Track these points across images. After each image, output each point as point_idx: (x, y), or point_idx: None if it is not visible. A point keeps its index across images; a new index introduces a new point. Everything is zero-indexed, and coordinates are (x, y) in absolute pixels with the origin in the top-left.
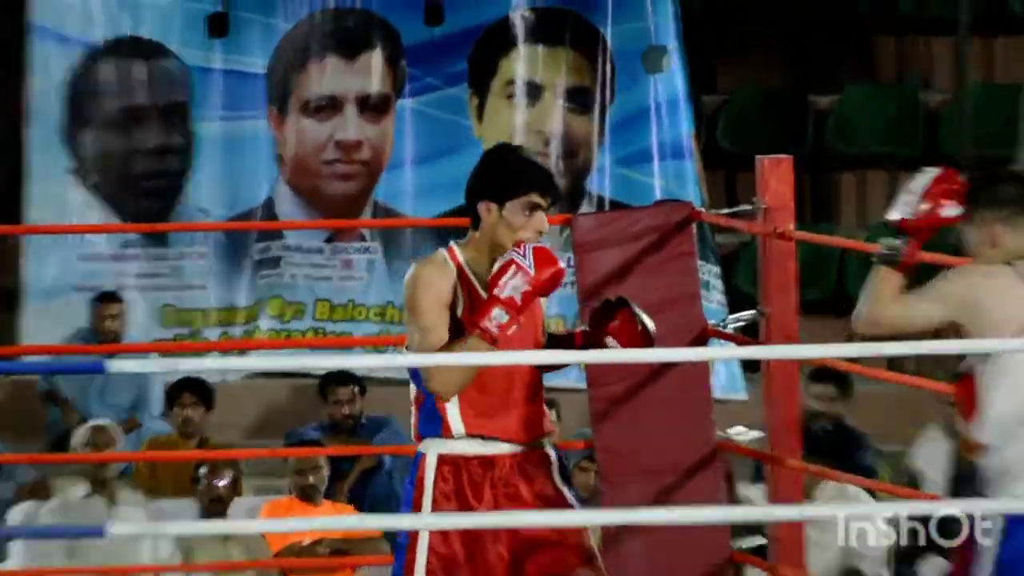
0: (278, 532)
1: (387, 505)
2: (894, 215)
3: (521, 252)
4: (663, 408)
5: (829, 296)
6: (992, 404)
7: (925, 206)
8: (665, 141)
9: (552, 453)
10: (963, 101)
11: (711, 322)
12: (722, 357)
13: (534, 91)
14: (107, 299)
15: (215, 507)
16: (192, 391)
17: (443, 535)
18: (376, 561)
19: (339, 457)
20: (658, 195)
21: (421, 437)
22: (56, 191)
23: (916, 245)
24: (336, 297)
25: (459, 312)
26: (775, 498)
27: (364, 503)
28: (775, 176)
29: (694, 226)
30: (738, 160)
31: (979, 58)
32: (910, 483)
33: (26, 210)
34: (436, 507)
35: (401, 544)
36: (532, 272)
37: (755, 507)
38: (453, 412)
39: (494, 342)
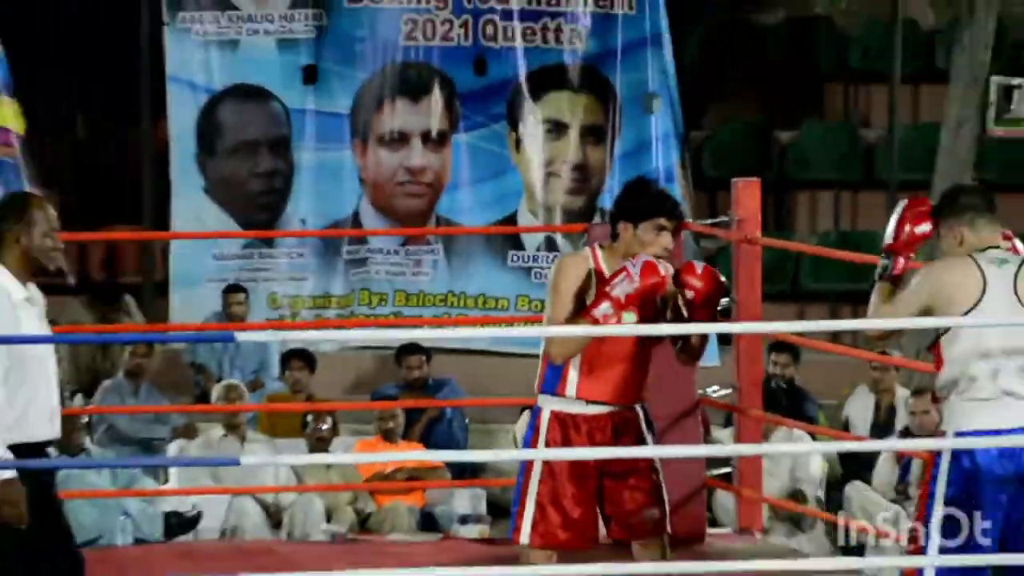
0: (367, 463)
1: (448, 444)
2: (884, 241)
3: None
4: (658, 371)
5: (787, 288)
6: (945, 365)
7: (903, 230)
8: (659, 168)
9: (639, 410)
10: (894, 137)
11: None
12: (702, 331)
13: (559, 128)
14: (234, 290)
15: (319, 445)
16: (300, 358)
17: (550, 473)
18: (440, 485)
19: (412, 408)
20: None
21: (542, 391)
22: (194, 205)
23: (902, 261)
24: (410, 288)
25: (588, 299)
26: (740, 439)
27: (431, 443)
28: (746, 195)
29: (684, 234)
30: (718, 182)
31: (908, 103)
32: (842, 428)
33: (173, 220)
34: (550, 449)
35: (519, 480)
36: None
37: (724, 445)
38: (572, 376)
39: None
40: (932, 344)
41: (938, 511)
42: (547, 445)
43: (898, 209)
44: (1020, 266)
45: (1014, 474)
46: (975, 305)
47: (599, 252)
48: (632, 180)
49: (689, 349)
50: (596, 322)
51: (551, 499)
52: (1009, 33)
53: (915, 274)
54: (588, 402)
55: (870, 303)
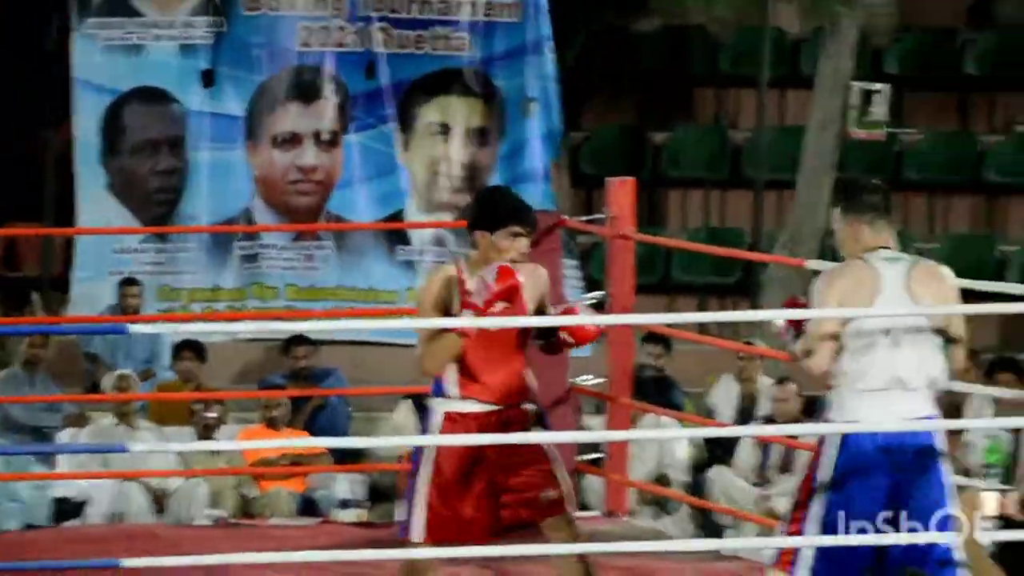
0: (252, 449)
1: (331, 431)
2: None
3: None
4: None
5: (657, 282)
6: (842, 361)
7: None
8: (535, 168)
9: (529, 408)
10: (761, 139)
11: (569, 300)
12: (577, 323)
13: (446, 130)
14: (129, 283)
15: (207, 432)
16: (190, 349)
17: (439, 472)
18: (321, 470)
19: (297, 397)
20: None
21: (433, 394)
22: (98, 201)
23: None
24: (301, 282)
25: (455, 307)
26: (610, 426)
27: (314, 430)
28: (621, 193)
29: (560, 230)
30: (595, 181)
31: (775, 106)
32: (707, 415)
33: (77, 215)
34: (440, 450)
35: (411, 480)
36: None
37: (594, 431)
38: (453, 379)
39: (462, 335)
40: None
41: (819, 496)
42: (438, 453)
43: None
44: (913, 264)
45: (898, 464)
46: (873, 303)
47: (463, 263)
48: (485, 190)
49: (552, 347)
50: (462, 332)
51: (441, 499)
52: (870, 41)
53: (815, 291)
54: (477, 401)
55: (802, 362)
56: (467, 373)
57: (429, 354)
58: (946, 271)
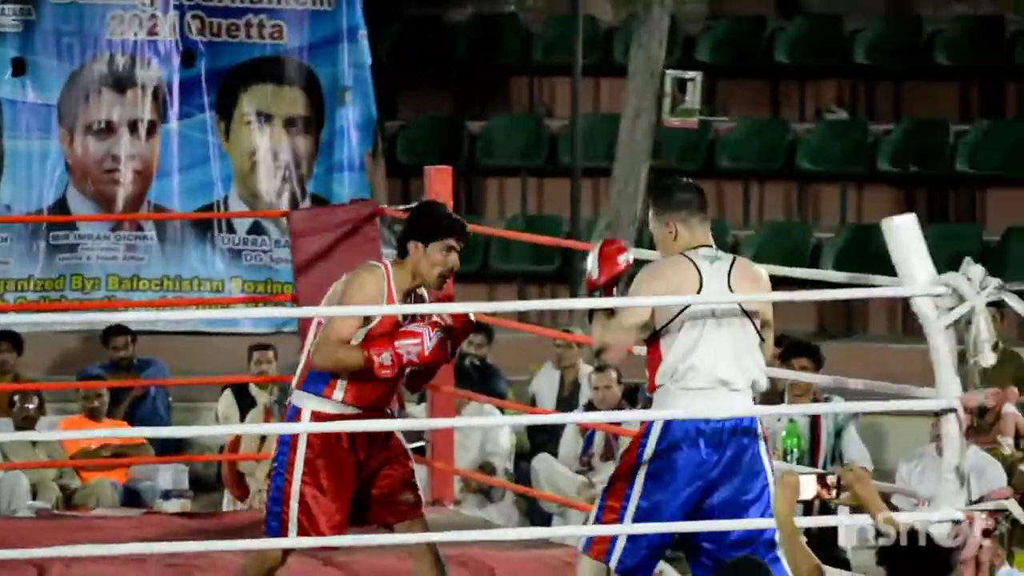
0: (72, 440)
1: (152, 421)
2: (588, 279)
3: (430, 333)
4: None
5: (477, 269)
6: (664, 357)
7: (604, 268)
8: (349, 157)
9: (390, 411)
10: (576, 127)
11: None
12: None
13: (267, 119)
14: None
15: (26, 424)
16: (7, 340)
17: (312, 471)
18: (144, 462)
19: (117, 387)
20: (348, 196)
21: (303, 389)
22: None
23: (608, 292)
24: (124, 272)
25: (377, 319)
26: (433, 414)
27: (135, 420)
28: (439, 181)
29: (378, 219)
30: (412, 169)
31: (590, 95)
32: (531, 403)
33: None
34: (308, 450)
35: (278, 481)
36: (427, 353)
37: (418, 419)
38: (341, 383)
39: (369, 369)
40: (651, 339)
41: (637, 485)
42: (308, 445)
43: (595, 249)
44: (732, 263)
45: (716, 461)
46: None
47: (390, 269)
48: (423, 203)
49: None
50: (371, 361)
51: (314, 496)
52: (681, 29)
53: (636, 280)
54: (348, 404)
55: (595, 335)
56: (355, 377)
57: (328, 357)
58: (763, 270)
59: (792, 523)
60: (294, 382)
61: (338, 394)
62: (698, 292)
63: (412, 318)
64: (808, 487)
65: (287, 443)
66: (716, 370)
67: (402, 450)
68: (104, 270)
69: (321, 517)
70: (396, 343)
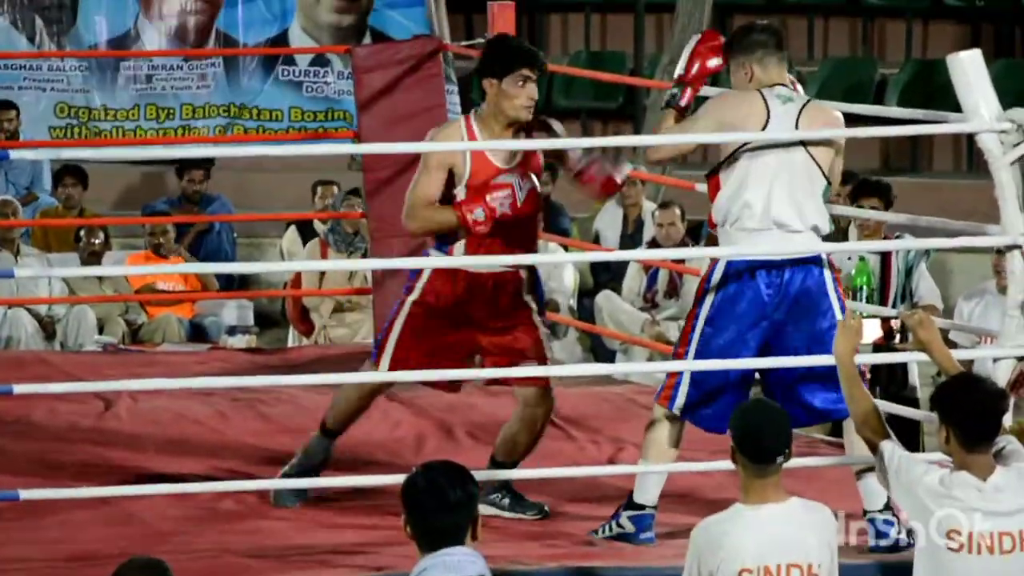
0: (137, 274)
1: (216, 256)
2: (676, 72)
3: (520, 183)
4: None
5: (540, 106)
6: (721, 192)
7: (694, 63)
8: None
9: (524, 273)
10: None
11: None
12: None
13: None
14: (4, 107)
15: (91, 259)
16: (72, 174)
17: (423, 314)
18: (207, 297)
19: (181, 223)
20: (409, 32)
21: (435, 247)
22: None
23: (691, 92)
24: (196, 101)
25: (466, 172)
26: None
27: (200, 255)
28: (501, 17)
29: (441, 54)
30: (475, 5)
31: None
32: (593, 240)
33: None
34: (423, 295)
35: (390, 315)
36: (519, 204)
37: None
38: (460, 245)
39: (464, 225)
40: (711, 173)
41: (698, 329)
42: (424, 293)
43: (691, 42)
44: (803, 105)
45: (778, 300)
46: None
47: (472, 122)
48: (492, 38)
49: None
50: (464, 219)
51: (414, 336)
52: None
53: (703, 106)
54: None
55: (659, 128)
56: (471, 240)
57: (420, 220)
58: (838, 114)
59: (852, 366)
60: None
61: (458, 249)
62: (763, 129)
63: (511, 167)
64: (871, 331)
65: (408, 285)
66: (771, 211)
67: (530, 320)
68: (177, 99)
69: (412, 354)
70: (487, 196)
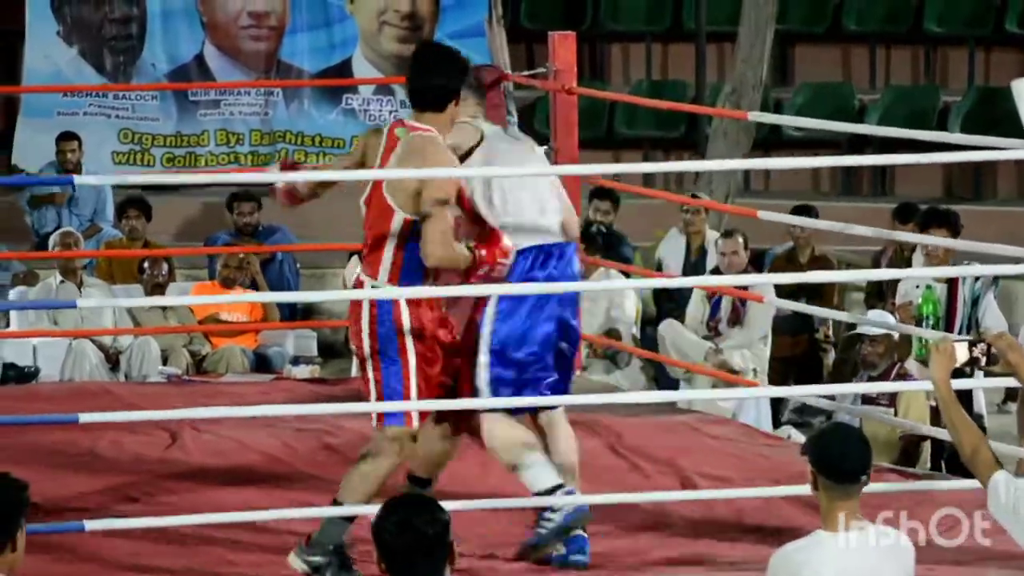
0: (201, 305)
1: (279, 287)
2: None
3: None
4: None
5: (602, 136)
6: None
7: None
8: (478, 21)
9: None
10: None
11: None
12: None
13: None
14: (66, 137)
15: (156, 291)
16: (136, 206)
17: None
18: (271, 327)
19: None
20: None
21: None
22: (47, 48)
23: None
24: (263, 127)
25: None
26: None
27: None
28: (563, 47)
29: (503, 84)
30: (535, 35)
31: None
32: (656, 269)
33: (25, 63)
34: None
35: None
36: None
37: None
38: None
39: (479, 270)
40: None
41: None
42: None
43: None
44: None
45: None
46: None
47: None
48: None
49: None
50: (487, 271)
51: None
52: None
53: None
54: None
55: None
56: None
57: (450, 251)
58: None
59: (950, 392)
60: (380, 277)
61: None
62: None
63: None
64: (962, 353)
65: (391, 324)
66: None
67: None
68: (247, 125)
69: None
70: (500, 261)
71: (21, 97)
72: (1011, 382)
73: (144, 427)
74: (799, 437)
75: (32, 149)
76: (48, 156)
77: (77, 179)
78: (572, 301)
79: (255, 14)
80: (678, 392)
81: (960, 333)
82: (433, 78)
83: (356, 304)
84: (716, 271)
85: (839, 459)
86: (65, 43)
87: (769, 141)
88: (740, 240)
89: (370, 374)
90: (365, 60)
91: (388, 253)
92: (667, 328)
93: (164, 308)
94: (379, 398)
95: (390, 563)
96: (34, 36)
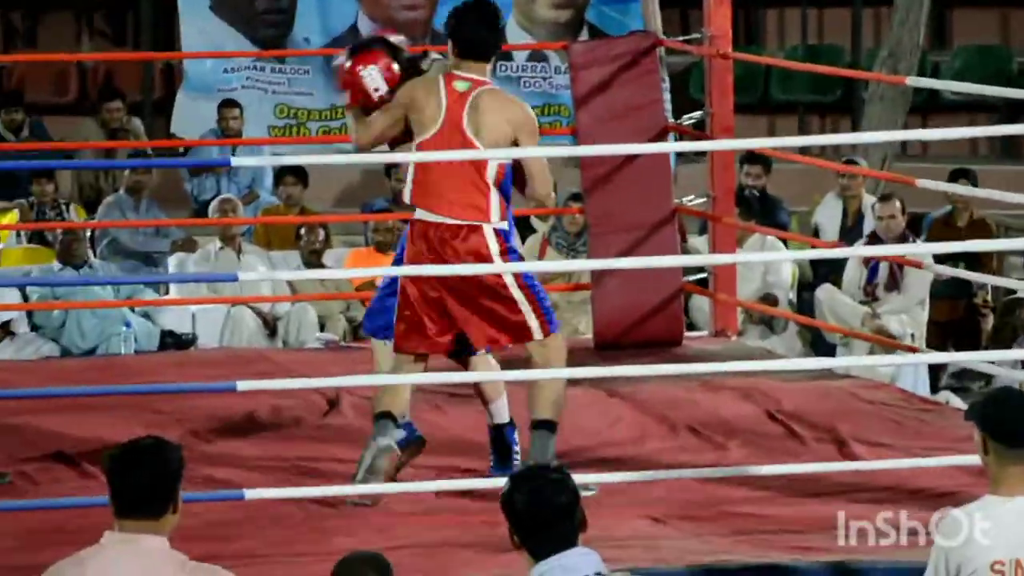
0: (359, 275)
1: None
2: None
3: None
4: (635, 182)
5: (756, 101)
6: None
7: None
8: None
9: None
10: None
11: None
12: (682, 149)
13: None
14: (228, 104)
15: (312, 257)
16: (292, 173)
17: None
18: None
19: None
20: (625, 28)
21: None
22: (201, 21)
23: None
24: None
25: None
26: (715, 247)
27: None
28: (718, 12)
29: (657, 50)
30: (689, 0)
31: None
32: (813, 234)
33: (182, 37)
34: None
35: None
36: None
37: (700, 253)
38: (407, 191)
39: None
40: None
41: None
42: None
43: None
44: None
45: None
46: None
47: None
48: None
49: None
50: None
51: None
52: None
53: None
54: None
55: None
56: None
57: (549, 195)
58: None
59: None
60: (493, 218)
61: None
62: None
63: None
64: None
65: (517, 253)
66: None
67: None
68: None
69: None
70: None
71: (184, 72)
72: None
73: (302, 393)
74: (958, 402)
75: (192, 118)
76: (208, 124)
77: (234, 160)
78: None
79: None
80: (835, 360)
81: None
82: (482, 30)
83: (476, 240)
84: (873, 235)
85: (1012, 422)
86: (218, 17)
87: (926, 105)
88: (897, 204)
89: (516, 295)
90: (518, 27)
91: (493, 196)
92: (824, 293)
93: None
94: (537, 313)
95: (524, 536)
96: (188, 11)
